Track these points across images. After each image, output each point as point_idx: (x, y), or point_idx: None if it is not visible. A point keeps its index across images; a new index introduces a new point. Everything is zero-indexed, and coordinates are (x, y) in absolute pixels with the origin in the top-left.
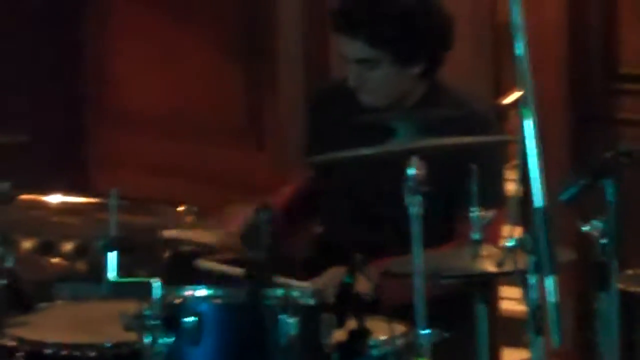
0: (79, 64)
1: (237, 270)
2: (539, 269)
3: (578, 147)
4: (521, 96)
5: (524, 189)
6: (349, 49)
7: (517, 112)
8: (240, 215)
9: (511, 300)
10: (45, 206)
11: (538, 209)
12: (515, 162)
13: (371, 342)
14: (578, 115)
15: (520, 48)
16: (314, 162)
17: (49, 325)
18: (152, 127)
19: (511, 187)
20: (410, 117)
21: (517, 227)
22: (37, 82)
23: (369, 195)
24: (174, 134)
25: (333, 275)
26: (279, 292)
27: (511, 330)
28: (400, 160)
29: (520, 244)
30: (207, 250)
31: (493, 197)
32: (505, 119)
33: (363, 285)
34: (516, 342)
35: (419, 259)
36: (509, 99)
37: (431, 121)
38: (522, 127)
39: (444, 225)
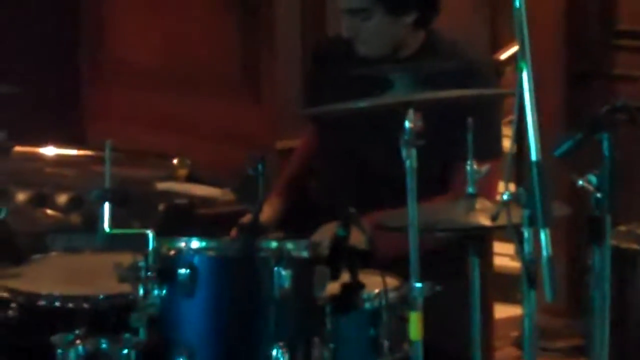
0: (74, 15)
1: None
2: (533, 223)
3: (574, 102)
4: (518, 50)
5: (520, 144)
6: (341, 0)
7: (513, 68)
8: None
9: (504, 257)
10: (40, 158)
11: (533, 162)
12: (510, 118)
13: (364, 295)
14: (574, 70)
15: (518, 0)
16: (309, 115)
17: (43, 276)
18: (148, 79)
19: (506, 143)
20: (407, 69)
21: (511, 183)
22: (32, 34)
23: (364, 149)
24: (170, 87)
25: (327, 229)
26: (273, 244)
27: (504, 287)
28: (396, 113)
29: (515, 198)
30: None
31: (489, 149)
32: (502, 74)
33: (357, 239)
34: (508, 298)
35: (413, 212)
36: (505, 54)
37: (428, 72)
38: (518, 80)
39: (439, 177)
